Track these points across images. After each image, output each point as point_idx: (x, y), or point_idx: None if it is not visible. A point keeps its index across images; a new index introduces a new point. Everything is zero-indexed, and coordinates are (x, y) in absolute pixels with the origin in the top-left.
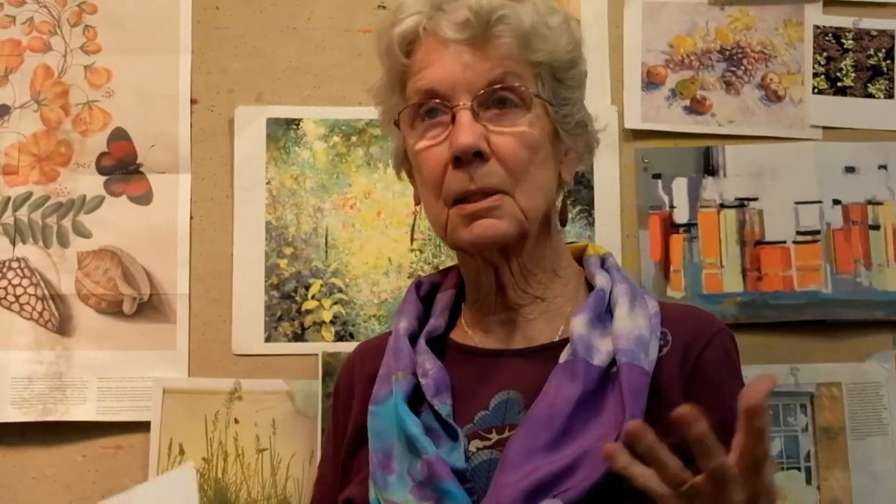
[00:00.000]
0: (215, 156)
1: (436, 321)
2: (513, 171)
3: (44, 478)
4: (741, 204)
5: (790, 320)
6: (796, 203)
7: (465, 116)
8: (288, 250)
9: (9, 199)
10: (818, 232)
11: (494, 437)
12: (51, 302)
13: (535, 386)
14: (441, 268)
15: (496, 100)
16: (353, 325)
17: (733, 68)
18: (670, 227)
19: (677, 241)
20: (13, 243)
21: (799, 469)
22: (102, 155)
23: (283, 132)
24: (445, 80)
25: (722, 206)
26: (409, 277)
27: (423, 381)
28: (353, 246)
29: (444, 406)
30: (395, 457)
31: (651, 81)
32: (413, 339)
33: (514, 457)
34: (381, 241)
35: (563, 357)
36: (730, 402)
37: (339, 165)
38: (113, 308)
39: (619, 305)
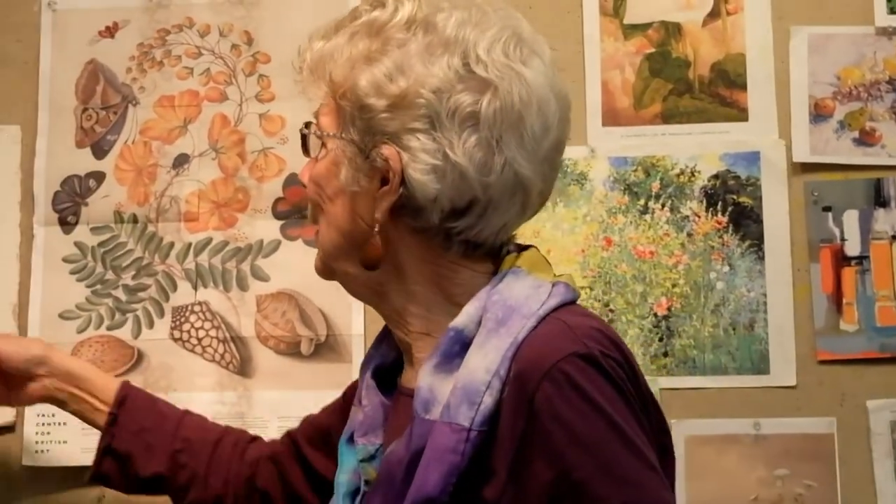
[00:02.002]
0: None
1: (382, 353)
2: (311, 203)
3: None
4: None
5: None
6: None
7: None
8: None
9: (190, 244)
10: None
11: None
12: (232, 344)
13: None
14: (611, 306)
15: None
16: None
17: None
18: (842, 259)
19: (849, 273)
20: (195, 287)
21: None
22: (278, 200)
23: None
24: None
25: (894, 237)
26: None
27: (358, 417)
28: None
29: (364, 448)
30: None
31: (819, 114)
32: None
33: None
34: None
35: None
36: (569, 459)
37: None
38: (291, 349)
39: (475, 339)
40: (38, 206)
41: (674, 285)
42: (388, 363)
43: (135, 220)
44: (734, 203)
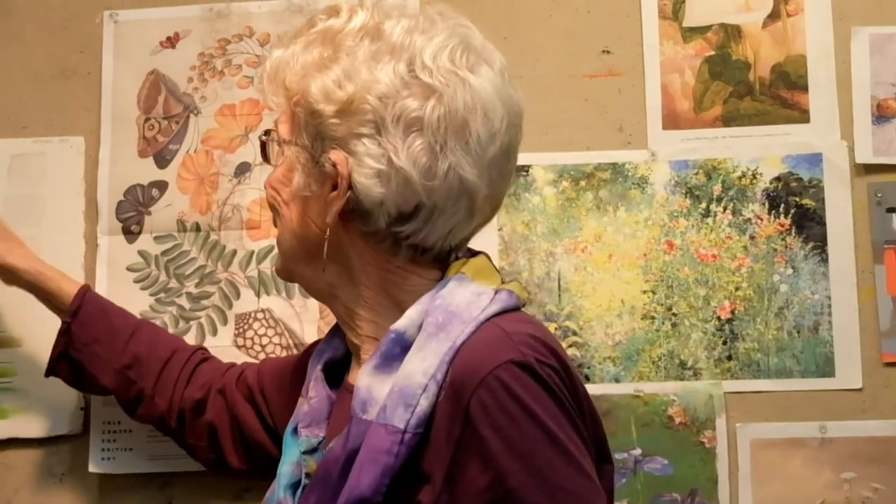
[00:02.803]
0: None
1: (333, 347)
2: (270, 207)
3: None
4: None
5: None
6: None
7: None
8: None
9: (252, 252)
10: None
11: None
12: (294, 351)
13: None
14: (674, 310)
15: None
16: (589, 368)
17: None
18: None
19: None
20: (258, 295)
21: None
22: None
23: (513, 179)
24: None
25: None
26: (641, 319)
27: (303, 408)
28: (586, 289)
29: (307, 440)
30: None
31: (881, 115)
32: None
33: None
34: (613, 283)
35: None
36: (504, 466)
37: (569, 210)
38: None
39: (415, 342)
40: (101, 216)
41: (737, 288)
42: (338, 357)
43: (197, 228)
44: (797, 205)
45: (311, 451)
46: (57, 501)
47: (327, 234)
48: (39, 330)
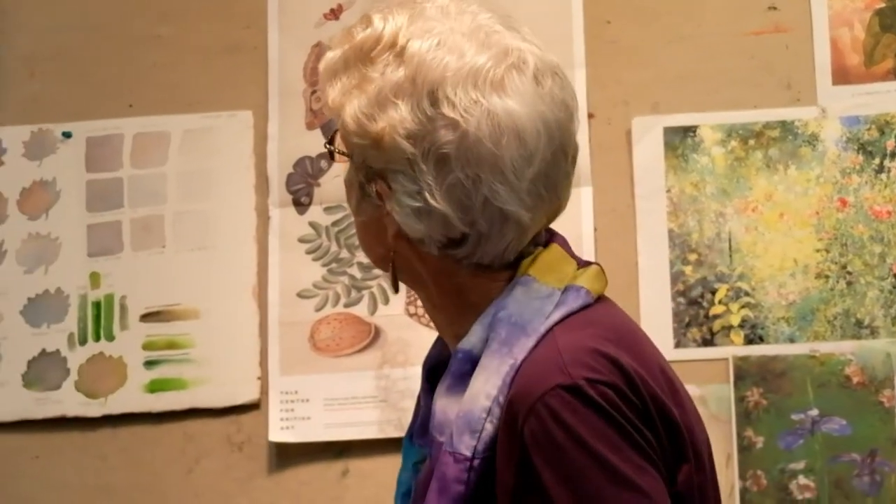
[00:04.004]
0: (614, 167)
1: (438, 351)
2: None
3: None
4: None
5: None
6: None
7: None
8: (692, 256)
9: None
10: None
11: None
12: None
13: None
14: (848, 268)
15: None
16: (763, 329)
17: None
18: None
19: None
20: None
21: None
22: None
23: (680, 140)
24: None
25: None
26: (815, 278)
27: (416, 418)
28: (758, 249)
29: (418, 449)
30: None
31: None
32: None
33: None
34: (785, 242)
35: None
36: (553, 495)
37: (738, 170)
38: None
39: (481, 359)
40: (272, 189)
41: None
42: (442, 360)
43: None
44: None
45: (423, 461)
46: (236, 470)
47: (391, 252)
48: (217, 302)
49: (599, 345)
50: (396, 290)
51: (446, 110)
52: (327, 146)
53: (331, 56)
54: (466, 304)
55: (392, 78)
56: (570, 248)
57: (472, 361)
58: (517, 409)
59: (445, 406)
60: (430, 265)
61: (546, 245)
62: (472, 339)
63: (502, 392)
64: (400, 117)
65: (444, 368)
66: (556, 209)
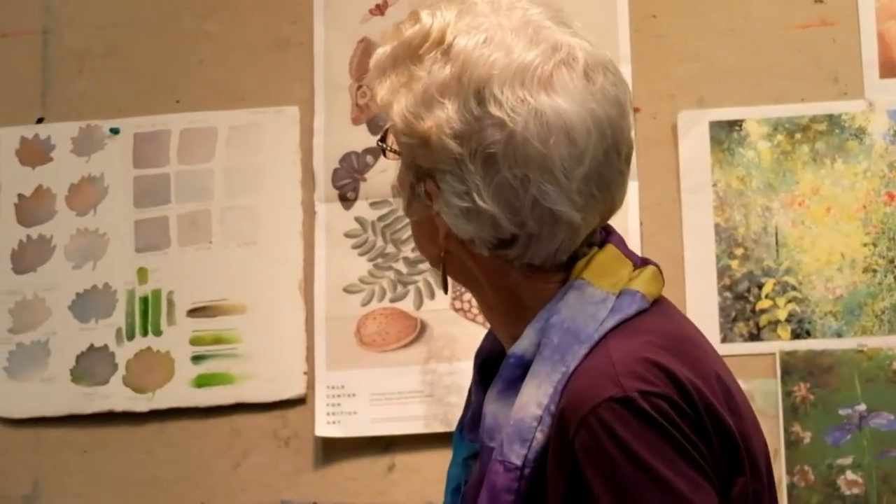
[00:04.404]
0: (660, 162)
1: (490, 345)
2: None
3: None
4: None
5: None
6: None
7: None
8: (738, 251)
9: None
10: None
11: None
12: None
13: None
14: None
15: None
16: (810, 323)
17: None
18: None
19: None
20: None
21: None
22: None
23: (726, 134)
24: None
25: None
26: (863, 272)
27: (467, 412)
28: (805, 243)
29: (469, 445)
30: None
31: None
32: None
33: None
34: (832, 236)
35: None
36: None
37: (784, 163)
38: None
39: (532, 366)
40: (318, 184)
41: None
42: (496, 354)
43: None
44: None
45: (474, 457)
46: (283, 464)
47: (443, 254)
48: (263, 297)
49: (653, 354)
50: (446, 290)
51: (493, 109)
52: (379, 143)
53: (380, 53)
54: (520, 305)
55: (438, 76)
56: (626, 247)
57: (524, 367)
58: (569, 419)
59: (496, 411)
60: (482, 265)
61: (601, 245)
62: (523, 344)
63: (553, 401)
64: (446, 117)
65: (497, 362)
66: (610, 209)
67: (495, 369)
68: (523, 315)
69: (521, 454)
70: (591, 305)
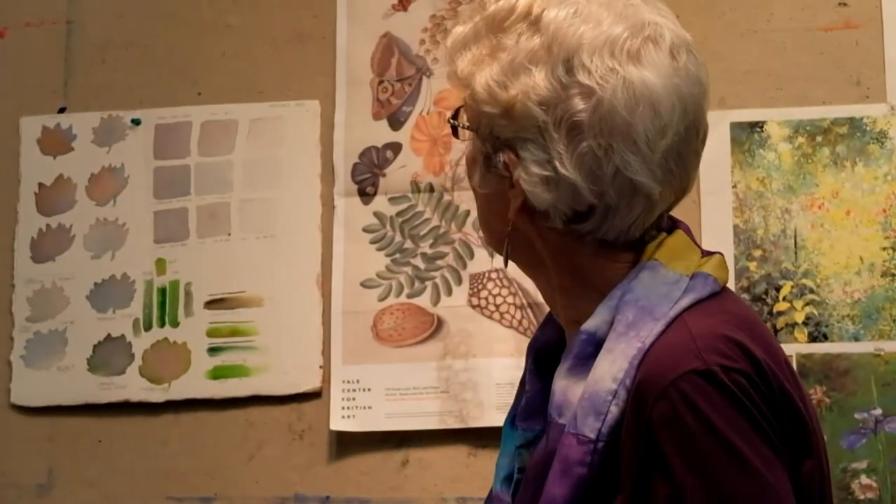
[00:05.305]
0: None
1: (546, 335)
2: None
3: None
4: None
5: None
6: None
7: None
8: (757, 253)
9: None
10: None
11: None
12: (529, 310)
13: None
14: None
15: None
16: (827, 326)
17: None
18: None
19: None
20: (491, 255)
21: None
22: None
23: (746, 135)
24: None
25: None
26: (881, 276)
27: (521, 401)
28: (823, 246)
29: (522, 434)
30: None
31: None
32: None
33: None
34: (851, 240)
35: None
36: (681, 481)
37: (805, 166)
38: None
39: (606, 342)
40: (337, 178)
41: None
42: (552, 344)
43: (431, 189)
44: None
45: (527, 446)
46: (297, 457)
47: (509, 227)
48: (281, 290)
49: (731, 332)
50: (507, 264)
51: (582, 77)
52: (451, 121)
53: (460, 30)
54: (586, 285)
55: (527, 46)
56: (693, 236)
57: (596, 343)
58: (646, 392)
59: (566, 388)
60: (550, 243)
61: (670, 231)
62: (596, 321)
63: (629, 375)
64: (533, 83)
65: (554, 353)
66: (684, 188)
67: (551, 359)
68: (589, 296)
69: (595, 427)
70: (664, 286)
